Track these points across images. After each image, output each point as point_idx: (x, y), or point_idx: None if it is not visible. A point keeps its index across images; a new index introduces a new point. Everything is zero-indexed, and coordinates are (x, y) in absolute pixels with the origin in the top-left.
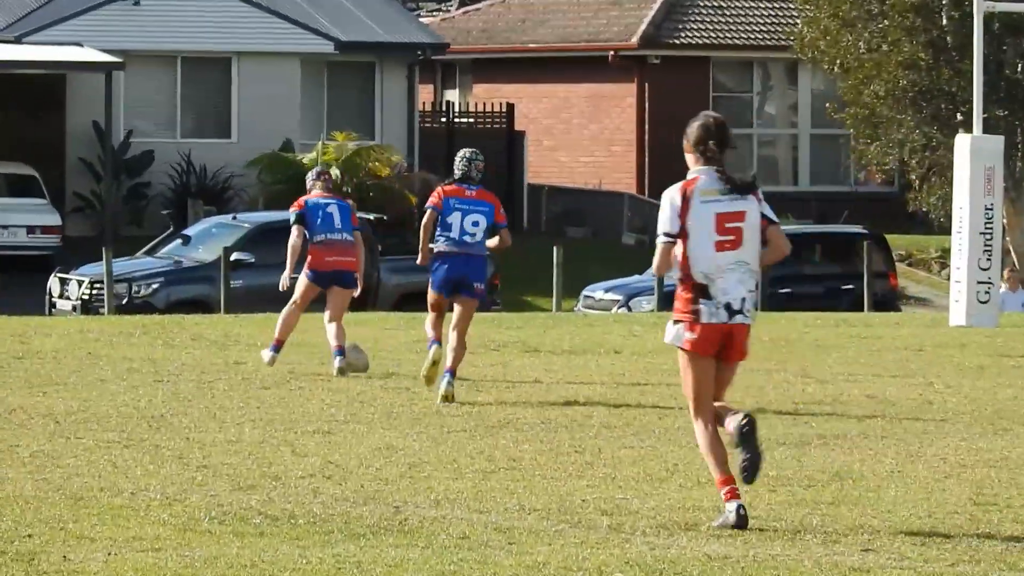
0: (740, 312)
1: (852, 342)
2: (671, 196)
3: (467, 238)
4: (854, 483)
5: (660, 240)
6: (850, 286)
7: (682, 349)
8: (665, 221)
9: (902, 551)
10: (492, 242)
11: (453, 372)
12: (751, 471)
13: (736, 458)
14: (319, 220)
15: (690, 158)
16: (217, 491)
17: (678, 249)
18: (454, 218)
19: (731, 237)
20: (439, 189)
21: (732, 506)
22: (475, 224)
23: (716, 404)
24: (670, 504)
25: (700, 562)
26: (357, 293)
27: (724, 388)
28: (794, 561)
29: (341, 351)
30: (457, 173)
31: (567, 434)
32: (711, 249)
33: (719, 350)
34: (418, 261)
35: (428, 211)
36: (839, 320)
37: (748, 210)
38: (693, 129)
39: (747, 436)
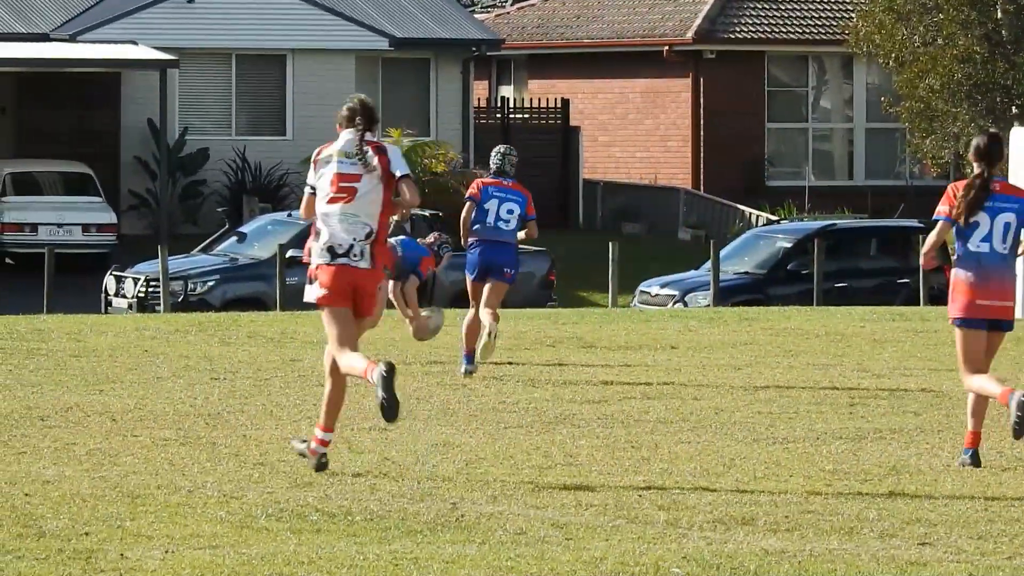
0: (345, 256)
1: (908, 336)
2: (313, 156)
3: (501, 224)
4: (911, 477)
5: (306, 190)
6: (906, 280)
7: (318, 305)
8: (310, 177)
9: (959, 544)
10: (521, 234)
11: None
12: (390, 410)
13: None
14: None
15: (341, 132)
16: (274, 488)
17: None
18: (491, 205)
19: (344, 195)
20: (478, 181)
21: (323, 450)
22: (509, 212)
23: (352, 356)
24: (727, 499)
25: (757, 556)
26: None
27: (357, 338)
28: (851, 555)
29: None
30: (492, 167)
31: (623, 429)
32: (324, 202)
33: (352, 301)
34: (463, 243)
35: (467, 203)
36: (895, 314)
37: (363, 175)
38: (343, 110)
39: (387, 381)
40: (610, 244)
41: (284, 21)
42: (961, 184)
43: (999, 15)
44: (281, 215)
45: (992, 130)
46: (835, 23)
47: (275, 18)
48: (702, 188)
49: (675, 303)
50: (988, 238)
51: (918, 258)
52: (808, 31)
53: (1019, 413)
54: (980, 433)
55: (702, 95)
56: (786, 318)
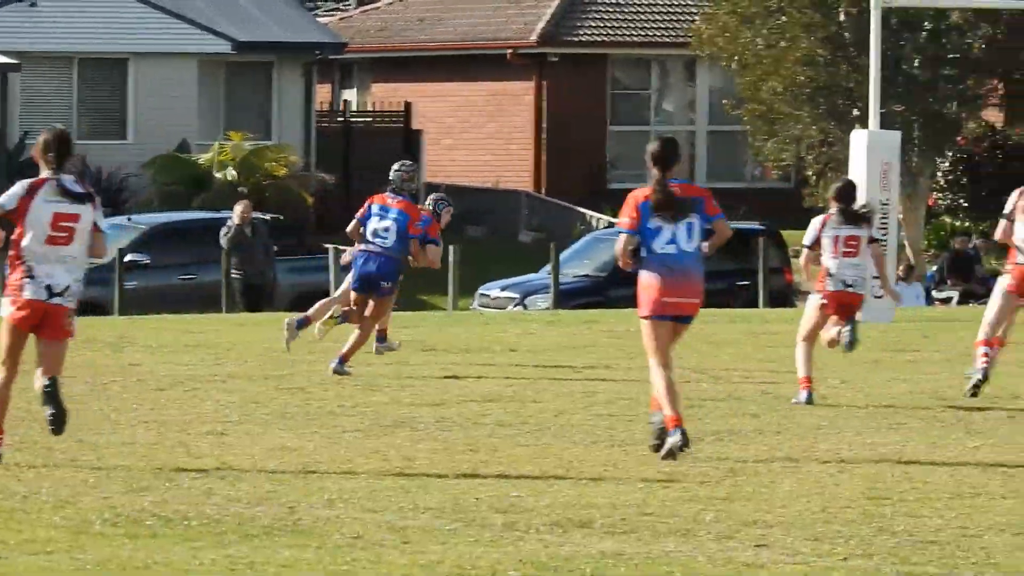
0: (60, 295)
1: (747, 338)
2: (18, 187)
3: (378, 240)
4: (748, 478)
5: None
6: (746, 282)
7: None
8: (4, 198)
9: (795, 546)
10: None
11: (344, 360)
12: (58, 423)
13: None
14: None
15: (41, 163)
16: (110, 493)
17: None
18: (372, 222)
19: (64, 235)
20: (369, 199)
21: None
22: (386, 229)
23: (41, 371)
24: (564, 502)
25: (593, 559)
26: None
27: (54, 360)
28: (687, 557)
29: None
30: (391, 184)
31: (462, 432)
32: (43, 241)
33: (37, 327)
34: (342, 261)
35: (354, 220)
36: (735, 316)
37: (83, 214)
38: (39, 141)
39: (51, 395)
40: (450, 247)
41: (126, 25)
42: (641, 192)
43: (842, 18)
44: (121, 219)
45: (667, 136)
46: (678, 26)
47: (117, 22)
48: (545, 191)
49: (515, 306)
50: (674, 240)
51: (758, 261)
52: (651, 34)
53: (664, 457)
54: (680, 417)
55: (546, 98)
56: (626, 321)
